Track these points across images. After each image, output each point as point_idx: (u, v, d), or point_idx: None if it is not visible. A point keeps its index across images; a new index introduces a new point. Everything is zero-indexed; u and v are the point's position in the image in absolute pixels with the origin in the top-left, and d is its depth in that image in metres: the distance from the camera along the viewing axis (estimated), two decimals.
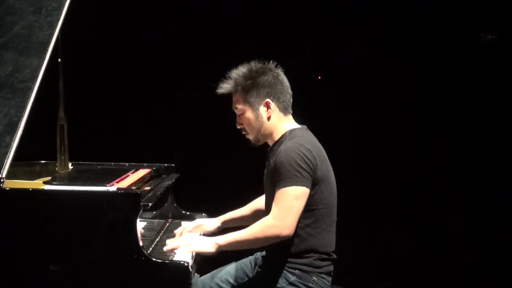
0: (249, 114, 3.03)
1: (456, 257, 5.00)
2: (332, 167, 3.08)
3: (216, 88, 3.06)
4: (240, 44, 4.87)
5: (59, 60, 3.35)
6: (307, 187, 2.85)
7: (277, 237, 2.82)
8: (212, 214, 3.50)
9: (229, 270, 3.21)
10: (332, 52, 5.15)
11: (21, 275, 2.70)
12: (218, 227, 3.36)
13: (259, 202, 3.32)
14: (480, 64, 5.01)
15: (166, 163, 3.71)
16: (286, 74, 3.12)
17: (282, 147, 2.92)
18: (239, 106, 3.04)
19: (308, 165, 2.86)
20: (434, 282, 4.93)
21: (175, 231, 3.28)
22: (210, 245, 2.88)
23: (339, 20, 5.10)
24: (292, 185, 2.82)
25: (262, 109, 3.02)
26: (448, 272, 4.94)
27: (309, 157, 2.88)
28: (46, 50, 3.00)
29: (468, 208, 5.06)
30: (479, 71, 5.01)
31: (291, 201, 2.82)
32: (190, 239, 2.97)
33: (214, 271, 3.25)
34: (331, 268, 3.02)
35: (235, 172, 4.86)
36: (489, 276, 4.87)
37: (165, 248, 2.95)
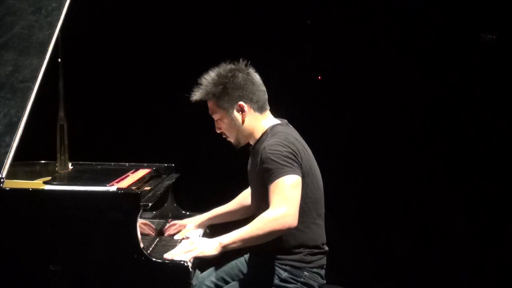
0: (225, 119, 3.03)
1: (456, 257, 5.00)
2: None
3: (190, 97, 3.05)
4: (240, 44, 4.87)
5: (59, 60, 3.35)
6: (298, 175, 2.83)
7: (282, 228, 2.76)
8: (212, 209, 3.50)
9: (224, 268, 3.22)
10: (332, 52, 5.15)
11: (21, 275, 2.70)
12: (203, 223, 3.39)
13: (244, 197, 3.35)
14: (480, 64, 5.01)
15: (166, 163, 3.71)
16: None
17: (265, 144, 2.91)
18: (214, 113, 3.05)
19: (294, 155, 2.86)
20: (434, 282, 4.93)
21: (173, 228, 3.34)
22: (213, 247, 2.78)
23: (339, 20, 5.10)
24: (285, 175, 2.80)
25: (236, 113, 3.01)
26: (448, 272, 4.94)
27: (293, 148, 2.88)
28: (46, 50, 3.00)
29: (468, 208, 5.06)
30: (479, 71, 5.01)
31: (288, 190, 2.78)
32: (191, 244, 2.84)
33: (210, 269, 3.26)
34: (324, 261, 3.02)
35: (235, 172, 4.85)
36: (489, 276, 4.87)
37: (166, 256, 2.81)
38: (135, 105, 5.12)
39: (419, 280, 4.92)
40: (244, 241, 2.80)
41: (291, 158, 2.84)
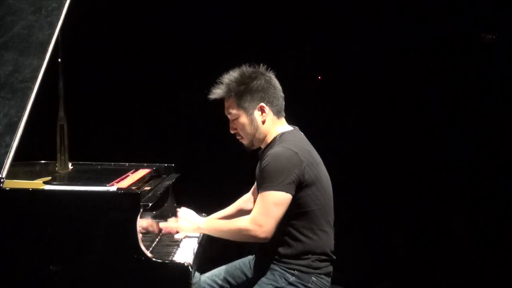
0: (243, 119, 3.03)
1: (456, 257, 5.00)
2: (332, 167, 3.07)
3: (208, 94, 3.06)
4: (240, 45, 4.87)
5: (59, 60, 3.35)
6: (288, 193, 2.85)
7: (253, 239, 2.88)
8: (212, 214, 3.50)
9: (227, 269, 3.21)
10: (332, 52, 5.15)
11: (21, 275, 2.70)
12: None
13: (243, 201, 3.38)
14: (480, 64, 5.01)
15: (166, 163, 3.71)
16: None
17: (271, 151, 2.93)
18: (233, 112, 3.04)
19: (294, 170, 2.86)
20: (434, 282, 4.93)
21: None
22: (190, 227, 3.08)
23: (339, 20, 5.10)
24: (273, 190, 2.84)
25: (257, 114, 3.02)
26: (448, 272, 4.94)
27: (295, 161, 2.87)
28: (46, 50, 3.00)
29: (468, 208, 5.06)
30: (479, 71, 5.01)
31: (270, 206, 2.83)
32: (176, 222, 3.15)
33: (214, 270, 3.26)
34: (331, 269, 3.02)
35: (235, 172, 4.86)
36: (489, 276, 4.87)
37: (162, 225, 3.16)
38: (135, 105, 5.11)
39: (419, 280, 4.92)
40: (218, 233, 3.04)
41: (286, 174, 2.85)
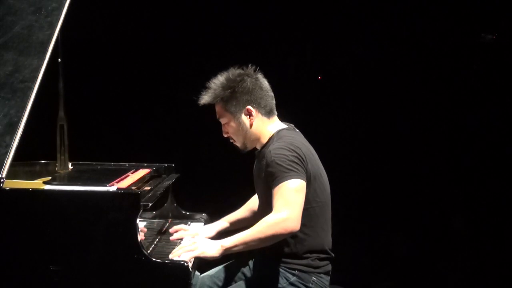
0: (232, 123, 3.04)
1: (456, 257, 5.00)
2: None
3: (198, 101, 3.06)
4: (240, 44, 4.87)
5: (59, 60, 3.36)
6: (303, 179, 2.83)
7: (284, 231, 2.76)
8: (212, 214, 3.50)
9: (228, 270, 3.21)
10: (332, 52, 5.15)
11: (21, 275, 2.70)
12: (218, 232, 3.32)
13: (254, 202, 3.32)
14: (480, 64, 5.01)
15: (166, 163, 3.71)
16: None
17: (270, 147, 2.92)
18: (222, 116, 3.06)
19: (299, 159, 2.86)
20: (434, 282, 4.93)
21: (172, 229, 3.26)
22: (215, 249, 2.81)
23: (339, 20, 5.10)
24: (289, 179, 2.80)
25: (244, 117, 3.03)
26: (448, 272, 4.94)
27: (299, 152, 2.88)
28: (46, 50, 3.00)
29: (468, 208, 5.06)
30: (479, 71, 5.01)
31: (291, 194, 2.78)
32: (193, 244, 2.87)
33: (213, 270, 3.25)
34: (329, 267, 3.03)
35: (235, 172, 4.85)
36: (489, 276, 4.87)
37: (171, 256, 2.84)
38: (135, 105, 5.11)
39: (419, 280, 4.92)
40: (246, 244, 2.82)
41: (295, 162, 2.84)
